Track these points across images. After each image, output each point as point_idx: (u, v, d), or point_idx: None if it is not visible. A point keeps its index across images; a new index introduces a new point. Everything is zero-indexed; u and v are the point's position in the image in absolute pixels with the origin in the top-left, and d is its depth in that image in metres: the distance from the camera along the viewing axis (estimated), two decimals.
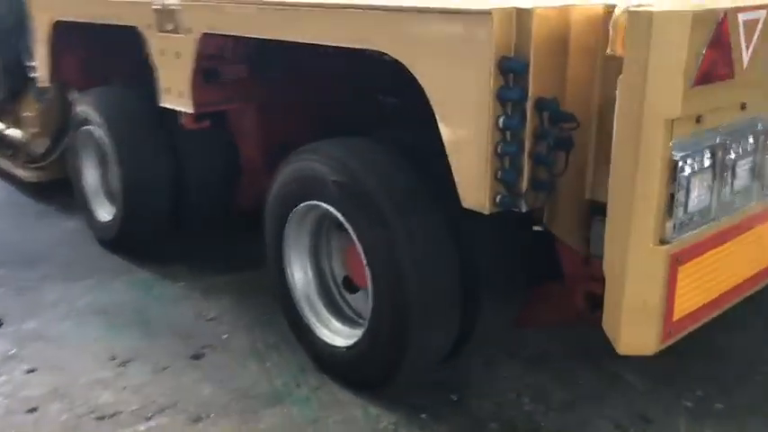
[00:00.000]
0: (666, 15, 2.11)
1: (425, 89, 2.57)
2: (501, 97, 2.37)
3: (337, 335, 3.38)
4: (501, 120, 2.39)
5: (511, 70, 2.34)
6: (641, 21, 2.12)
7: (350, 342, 3.24)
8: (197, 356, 3.69)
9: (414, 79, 2.60)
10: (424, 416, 3.15)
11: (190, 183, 4.49)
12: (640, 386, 3.32)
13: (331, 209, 3.12)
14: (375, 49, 2.75)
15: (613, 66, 2.30)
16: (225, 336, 3.89)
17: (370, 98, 4.59)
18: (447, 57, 2.47)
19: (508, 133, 2.41)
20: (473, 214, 2.94)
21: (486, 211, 2.51)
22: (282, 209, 3.42)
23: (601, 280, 2.74)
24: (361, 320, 3.42)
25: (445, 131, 2.55)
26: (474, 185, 2.50)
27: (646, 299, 2.26)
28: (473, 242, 2.97)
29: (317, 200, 3.19)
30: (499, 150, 2.42)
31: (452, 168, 2.56)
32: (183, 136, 4.30)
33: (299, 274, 3.54)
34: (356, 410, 3.20)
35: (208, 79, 3.79)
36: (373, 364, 3.13)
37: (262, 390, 3.39)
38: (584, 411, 3.16)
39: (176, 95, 3.77)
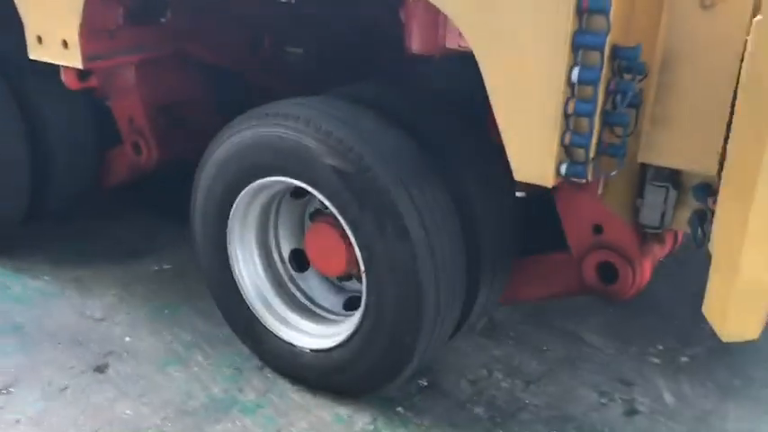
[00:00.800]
0: None
1: (466, 35, 2.15)
2: (578, 43, 2.01)
3: (308, 335, 2.88)
4: (575, 72, 2.04)
5: (593, 10, 1.98)
6: None
7: (332, 343, 2.75)
8: (100, 368, 3.00)
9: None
10: (400, 409, 2.79)
11: (53, 154, 3.63)
12: (606, 348, 3.21)
13: (318, 195, 2.59)
14: None
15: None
16: (127, 338, 3.21)
17: (278, 49, 4.05)
18: None
19: (582, 88, 2.06)
20: (473, 184, 2.63)
21: (550, 184, 2.17)
22: (227, 191, 2.81)
23: (617, 250, 2.57)
24: (331, 315, 2.98)
25: (497, 89, 2.17)
26: (535, 154, 2.16)
27: (759, 272, 2.03)
28: (476, 216, 2.63)
29: (293, 178, 2.62)
30: (570, 110, 2.07)
31: (504, 134, 2.20)
32: (41, 98, 3.46)
33: (250, 270, 2.99)
34: (323, 413, 2.75)
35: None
36: (371, 364, 2.66)
37: (199, 401, 2.81)
38: (563, 381, 2.97)
39: (55, 46, 2.95)
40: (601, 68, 2.09)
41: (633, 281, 2.60)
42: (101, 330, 3.25)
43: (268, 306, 2.99)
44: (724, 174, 2.03)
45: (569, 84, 2.09)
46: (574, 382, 2.97)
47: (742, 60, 2.15)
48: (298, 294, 3.07)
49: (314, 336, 2.89)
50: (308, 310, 3.03)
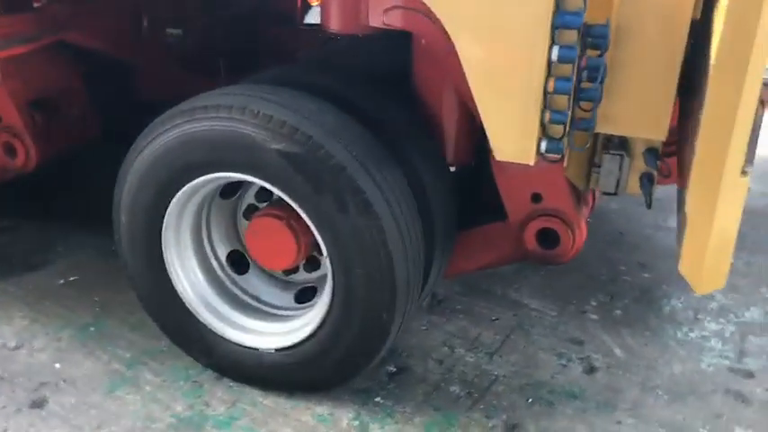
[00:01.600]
0: None
1: (443, 20, 2.10)
2: (557, 24, 2.03)
3: (269, 336, 2.75)
4: (555, 51, 2.06)
5: None
6: None
7: (299, 337, 2.65)
8: (38, 403, 2.71)
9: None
10: (378, 399, 2.77)
11: None
12: (548, 311, 3.36)
13: (266, 184, 2.47)
14: None
15: None
16: (57, 365, 2.90)
17: (157, 31, 3.81)
18: None
19: (560, 67, 2.09)
20: (417, 157, 2.62)
21: (532, 162, 2.19)
22: (157, 199, 2.61)
23: (557, 216, 2.68)
24: (285, 312, 2.87)
25: (476, 72, 2.16)
26: (517, 133, 2.18)
27: (727, 232, 2.19)
28: (425, 189, 2.63)
29: (234, 172, 2.48)
30: (550, 88, 2.09)
31: (484, 116, 2.20)
32: None
33: (192, 280, 2.82)
34: (303, 416, 2.67)
35: None
36: (346, 349, 2.58)
37: (164, 423, 2.63)
38: (521, 348, 3.08)
39: None
40: (577, 47, 2.14)
41: (573, 243, 2.73)
42: (22, 360, 2.92)
43: (218, 314, 2.85)
44: (698, 145, 2.16)
45: (548, 63, 2.13)
46: (531, 347, 3.08)
47: (690, 31, 2.31)
48: (245, 297, 2.95)
49: (276, 334, 2.79)
50: (260, 310, 2.93)
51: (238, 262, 2.96)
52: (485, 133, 2.75)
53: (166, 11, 4.20)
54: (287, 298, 2.96)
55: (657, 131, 2.43)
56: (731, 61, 2.00)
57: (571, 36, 2.12)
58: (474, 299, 3.42)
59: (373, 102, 2.75)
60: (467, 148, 3.03)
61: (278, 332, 2.79)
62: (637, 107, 2.40)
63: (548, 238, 2.72)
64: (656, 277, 3.67)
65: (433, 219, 2.63)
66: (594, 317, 3.32)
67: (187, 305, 2.80)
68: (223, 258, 2.93)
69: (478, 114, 2.30)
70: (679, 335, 3.20)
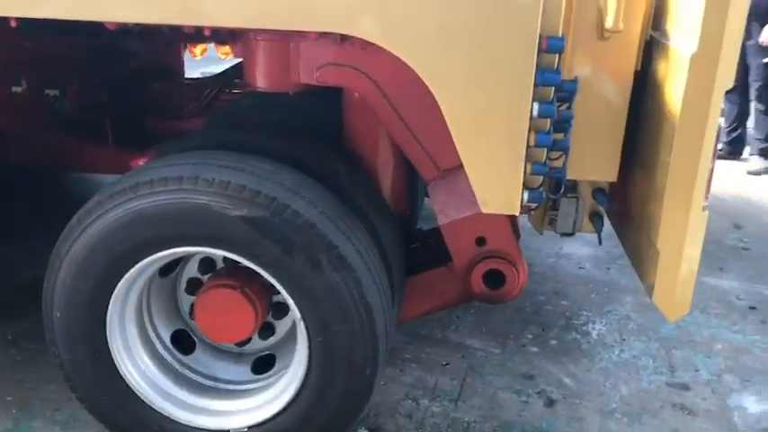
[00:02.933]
0: None
1: (427, 80, 2.10)
2: (538, 82, 2.11)
3: (239, 414, 2.57)
4: (536, 107, 2.14)
5: (554, 50, 2.09)
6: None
7: (275, 408, 2.52)
8: None
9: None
10: None
11: None
12: (491, 348, 3.45)
13: (228, 254, 2.34)
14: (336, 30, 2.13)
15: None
16: None
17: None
18: (469, 38, 2.07)
19: (540, 122, 2.19)
20: (369, 208, 2.62)
21: (518, 212, 2.25)
22: (100, 287, 2.41)
23: (502, 257, 2.78)
24: (245, 386, 2.70)
25: (462, 129, 2.21)
26: (504, 186, 2.22)
27: (692, 262, 2.37)
28: (380, 238, 2.62)
29: (191, 246, 2.35)
30: (531, 142, 2.17)
31: (470, 171, 2.25)
32: None
33: (141, 370, 2.61)
34: None
35: None
36: (329, 413, 2.48)
37: None
38: (481, 390, 3.14)
39: None
40: (554, 102, 2.26)
41: (518, 281, 2.84)
42: None
43: (177, 401, 2.66)
44: (668, 186, 2.34)
45: (530, 119, 2.23)
46: (489, 388, 3.14)
47: (634, 81, 2.53)
48: (200, 378, 2.77)
49: (246, 411, 2.63)
50: (220, 389, 2.76)
51: (183, 342, 2.77)
52: (420, 181, 2.84)
53: (44, 70, 3.87)
54: (243, 371, 2.80)
55: (611, 174, 2.63)
56: (694, 122, 2.23)
57: (548, 92, 2.23)
58: (418, 345, 3.43)
59: (318, 157, 2.73)
60: (404, 196, 3.07)
61: (247, 408, 2.63)
62: (592, 153, 2.57)
63: (494, 278, 2.77)
64: (572, 304, 3.90)
65: (390, 268, 2.62)
66: (535, 349, 3.46)
67: (141, 398, 2.58)
68: (167, 340, 2.73)
69: (416, 163, 2.43)
70: (614, 357, 3.41)
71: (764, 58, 5.81)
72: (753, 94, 6.09)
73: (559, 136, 2.35)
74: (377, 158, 2.91)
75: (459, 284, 2.81)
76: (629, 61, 2.51)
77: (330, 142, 2.89)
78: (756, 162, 6.22)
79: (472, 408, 3.01)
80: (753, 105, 6.14)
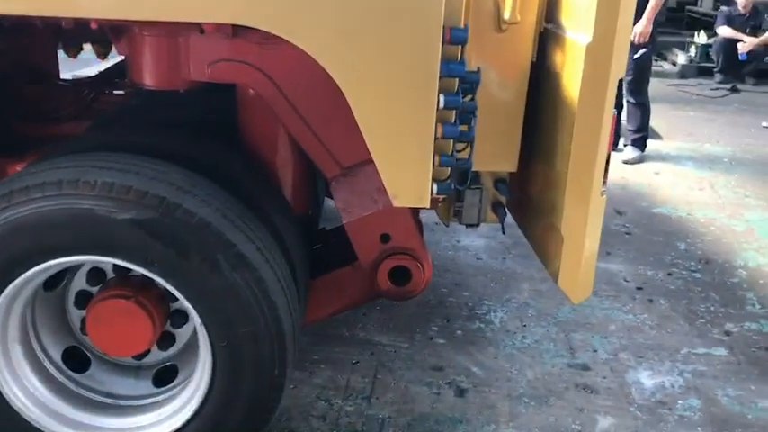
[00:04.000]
0: None
1: (332, 73, 2.06)
2: (443, 73, 2.12)
3: (144, 429, 2.43)
4: (441, 99, 2.15)
5: (458, 41, 2.11)
6: None
7: (181, 419, 2.41)
8: None
9: None
10: None
11: None
12: (400, 343, 3.45)
13: (116, 261, 2.20)
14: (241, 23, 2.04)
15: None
16: None
17: None
18: (374, 29, 2.04)
19: (446, 113, 2.19)
20: (269, 206, 2.56)
21: (428, 205, 2.25)
22: None
23: (405, 253, 2.78)
24: (148, 399, 2.58)
25: (370, 124, 2.17)
26: (414, 179, 2.22)
27: (593, 246, 2.45)
28: (282, 237, 2.56)
29: (75, 254, 2.19)
30: (438, 134, 2.18)
31: (380, 166, 2.22)
32: None
33: (26, 390, 2.44)
34: None
35: None
36: (234, 426, 2.39)
37: None
38: (393, 385, 3.13)
39: None
40: (459, 93, 2.28)
41: (424, 276, 2.86)
42: None
43: (74, 424, 2.49)
44: (570, 173, 2.42)
45: (437, 111, 2.24)
46: (401, 383, 3.14)
47: (531, 72, 2.60)
48: (97, 397, 2.62)
49: (151, 426, 2.50)
50: (120, 406, 2.61)
51: (77, 359, 2.61)
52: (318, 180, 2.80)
53: None
54: (144, 385, 2.66)
55: (511, 164, 2.69)
56: (592, 109, 2.31)
57: (452, 84, 2.24)
58: (327, 346, 3.38)
59: (211, 155, 2.64)
60: (306, 195, 3.02)
61: (151, 423, 2.50)
62: (493, 144, 2.62)
63: (400, 275, 2.75)
64: (474, 294, 3.97)
65: (294, 268, 2.57)
66: (441, 341, 3.49)
67: (33, 423, 2.40)
68: (58, 359, 2.56)
69: (317, 161, 2.41)
70: (517, 343, 3.50)
71: (635, 53, 6.15)
72: (624, 87, 6.43)
73: (464, 127, 2.37)
74: (275, 156, 2.83)
75: (365, 283, 2.78)
76: (526, 53, 2.58)
77: (226, 140, 2.79)
78: (630, 152, 6.58)
79: (385, 404, 3.00)
80: (624, 99, 6.50)
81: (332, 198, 3.55)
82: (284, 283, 2.34)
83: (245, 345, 2.27)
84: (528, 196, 2.79)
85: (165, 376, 2.65)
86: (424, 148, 2.22)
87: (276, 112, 2.50)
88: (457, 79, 2.25)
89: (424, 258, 2.75)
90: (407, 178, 2.27)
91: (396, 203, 2.31)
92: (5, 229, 2.12)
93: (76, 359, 2.60)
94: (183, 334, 2.60)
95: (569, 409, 3.01)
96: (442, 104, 2.20)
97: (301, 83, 2.42)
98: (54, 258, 2.18)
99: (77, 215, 2.10)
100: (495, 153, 2.64)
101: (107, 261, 2.24)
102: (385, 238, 2.68)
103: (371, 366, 3.25)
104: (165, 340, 2.60)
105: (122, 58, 3.78)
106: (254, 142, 2.80)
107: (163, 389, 2.62)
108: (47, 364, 2.52)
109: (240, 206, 2.35)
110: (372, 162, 2.31)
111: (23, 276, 2.20)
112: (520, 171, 2.71)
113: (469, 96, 2.37)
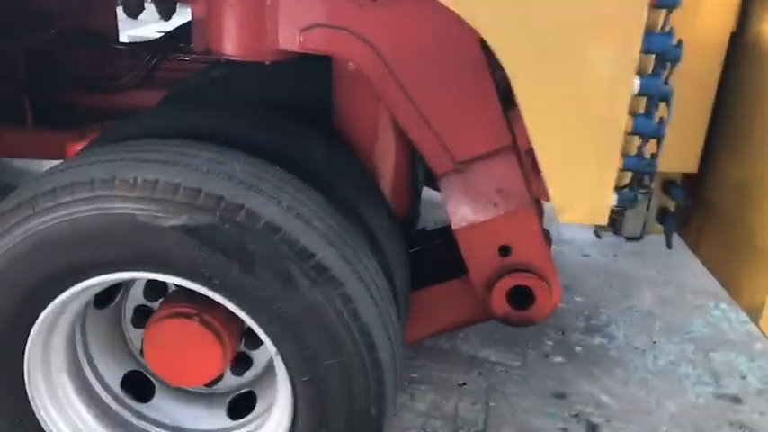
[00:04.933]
0: None
1: (502, 59, 1.54)
2: (647, 47, 1.59)
3: None
4: (637, 81, 1.61)
5: (666, 3, 1.58)
6: None
7: None
8: None
9: None
10: None
11: None
12: (510, 361, 2.97)
13: (168, 279, 1.75)
14: None
15: None
16: None
17: None
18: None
19: (639, 101, 1.65)
20: (367, 209, 2.10)
21: (605, 221, 1.72)
22: (11, 327, 1.81)
23: (530, 270, 2.24)
24: None
25: (534, 107, 1.66)
26: (590, 187, 1.72)
27: None
28: (384, 250, 2.09)
29: (116, 272, 1.74)
30: (629, 128, 1.64)
31: (545, 170, 1.72)
32: None
33: (75, 425, 2.01)
34: None
35: None
36: None
37: None
38: (510, 416, 2.65)
39: None
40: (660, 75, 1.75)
41: (551, 301, 2.31)
42: None
43: None
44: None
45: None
46: (518, 414, 2.65)
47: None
48: (161, 431, 2.16)
49: None
50: None
51: (139, 386, 2.17)
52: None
53: None
54: (217, 416, 2.20)
55: (691, 164, 2.15)
56: None
57: (650, 62, 1.71)
58: (426, 361, 2.90)
59: (287, 139, 2.14)
60: (408, 195, 2.51)
61: None
62: (670, 139, 2.05)
63: (520, 296, 2.25)
64: (588, 300, 3.45)
65: (395, 284, 2.07)
66: (559, 359, 2.99)
67: None
68: (117, 387, 2.13)
69: (426, 152, 2.01)
70: (648, 365, 2.97)
71: None
72: None
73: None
74: (374, 146, 2.35)
75: (476, 302, 2.30)
76: (725, 20, 2.00)
77: (314, 125, 2.29)
78: None
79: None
80: None
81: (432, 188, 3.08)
82: (380, 299, 1.84)
83: (332, 380, 1.78)
84: (709, 205, 2.22)
85: (243, 405, 2.19)
86: (609, 146, 1.70)
87: (380, 91, 2.02)
88: (653, 56, 1.69)
89: (551, 278, 2.24)
90: (583, 186, 1.76)
91: (563, 219, 1.79)
92: (30, 244, 1.68)
93: (138, 386, 2.16)
94: (260, 356, 2.13)
95: None
96: (636, 89, 1.66)
97: (412, 57, 1.94)
98: (88, 278, 1.73)
99: (113, 223, 1.64)
100: (671, 150, 2.07)
101: (156, 278, 1.77)
102: (504, 250, 2.19)
103: (481, 390, 2.76)
104: (241, 363, 2.14)
105: (188, 19, 3.34)
106: (349, 128, 2.32)
107: (240, 422, 2.16)
108: (102, 393, 2.10)
109: (321, 201, 1.85)
110: (493, 157, 1.90)
111: (58, 300, 1.77)
112: (698, 172, 2.16)
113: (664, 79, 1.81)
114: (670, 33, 1.68)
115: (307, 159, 2.06)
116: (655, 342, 3.12)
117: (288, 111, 2.35)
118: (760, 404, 2.76)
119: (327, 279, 1.68)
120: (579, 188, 1.76)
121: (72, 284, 1.74)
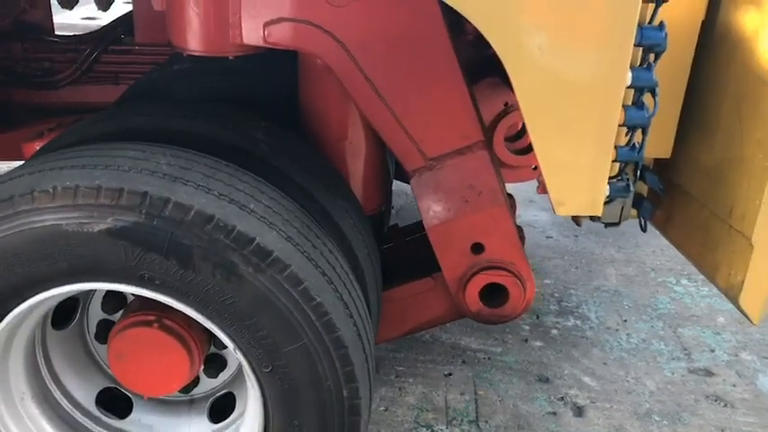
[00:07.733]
0: None
1: (500, 54, 1.55)
2: (639, 39, 1.67)
3: None
4: (629, 74, 1.65)
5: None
6: None
7: None
8: None
9: None
10: None
11: None
12: (490, 348, 3.00)
13: (106, 286, 1.67)
14: None
15: None
16: None
17: None
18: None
19: (629, 92, 1.69)
20: (331, 203, 2.10)
21: (600, 212, 1.75)
22: None
23: (504, 268, 2.25)
24: None
25: (532, 100, 1.69)
26: (587, 179, 1.76)
27: None
28: (347, 242, 2.08)
29: (61, 286, 1.66)
30: (624, 120, 1.69)
31: (544, 166, 1.75)
32: None
33: None
34: None
35: None
36: None
37: None
38: (499, 403, 2.69)
39: None
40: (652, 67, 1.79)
41: (524, 298, 2.31)
42: None
43: None
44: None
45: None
46: (507, 400, 2.69)
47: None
48: None
49: None
50: None
51: (116, 402, 2.10)
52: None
53: None
54: (199, 422, 2.14)
55: (664, 149, 2.20)
56: None
57: (639, 54, 1.73)
58: (409, 353, 2.92)
59: (232, 128, 2.09)
60: (378, 191, 2.50)
61: None
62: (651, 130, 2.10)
63: (493, 294, 2.27)
64: (557, 282, 3.53)
65: (357, 262, 2.06)
66: (538, 343, 3.04)
67: None
68: (92, 407, 2.06)
69: (396, 149, 2.02)
70: (623, 344, 3.06)
71: None
72: None
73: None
74: (342, 141, 2.31)
75: (448, 300, 2.32)
76: (695, 8, 2.05)
77: (276, 119, 2.23)
78: None
79: (497, 429, 2.54)
80: None
81: (403, 182, 3.06)
82: (336, 279, 1.78)
83: (295, 366, 1.71)
84: (680, 189, 2.28)
85: (224, 407, 2.13)
86: (604, 138, 1.72)
87: (348, 88, 2.00)
88: (641, 49, 1.73)
89: (525, 275, 2.26)
90: (580, 178, 1.78)
91: (559, 211, 1.81)
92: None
93: (116, 403, 2.08)
94: (232, 355, 2.04)
95: (709, 429, 2.59)
96: (628, 81, 1.69)
97: (383, 52, 1.92)
98: (30, 297, 1.67)
99: (40, 237, 1.58)
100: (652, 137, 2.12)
101: (95, 287, 1.69)
102: (477, 248, 2.21)
103: (468, 379, 2.79)
104: (214, 365, 2.08)
105: (128, 9, 3.19)
106: (316, 124, 2.29)
107: (222, 424, 2.11)
108: (78, 415, 2.02)
109: (262, 187, 1.78)
110: (465, 154, 1.91)
111: (5, 323, 1.70)
112: (672, 157, 2.22)
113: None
114: (661, 26, 1.71)
115: (249, 146, 2.01)
116: (625, 321, 3.21)
117: (249, 106, 2.29)
118: (730, 376, 2.88)
119: (271, 263, 1.61)
120: (576, 181, 1.79)
121: (15, 306, 1.66)
